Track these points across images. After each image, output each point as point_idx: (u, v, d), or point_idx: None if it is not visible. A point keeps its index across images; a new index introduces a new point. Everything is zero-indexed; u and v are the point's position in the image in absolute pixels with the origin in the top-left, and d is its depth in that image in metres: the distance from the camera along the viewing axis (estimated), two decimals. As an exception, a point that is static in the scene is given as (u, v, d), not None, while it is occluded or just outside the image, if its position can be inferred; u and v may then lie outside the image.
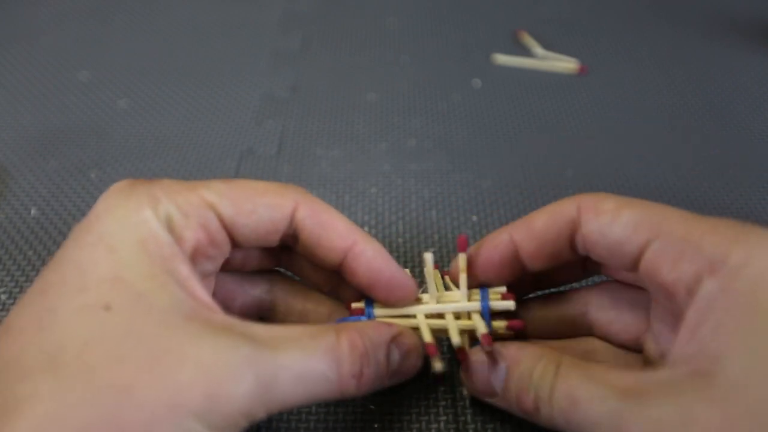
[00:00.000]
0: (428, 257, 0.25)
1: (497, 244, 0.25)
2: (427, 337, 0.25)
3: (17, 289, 0.32)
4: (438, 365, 0.24)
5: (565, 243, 0.24)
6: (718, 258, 0.20)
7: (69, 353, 0.18)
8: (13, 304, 0.32)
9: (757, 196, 0.39)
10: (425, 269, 0.25)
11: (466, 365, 0.25)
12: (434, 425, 0.26)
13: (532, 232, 0.24)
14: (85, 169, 0.41)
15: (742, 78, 0.51)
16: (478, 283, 0.26)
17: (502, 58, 0.52)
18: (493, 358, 0.24)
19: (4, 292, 0.32)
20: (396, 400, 0.27)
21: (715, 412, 0.18)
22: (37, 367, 0.18)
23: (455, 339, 0.24)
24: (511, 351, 0.23)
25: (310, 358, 0.20)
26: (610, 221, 0.22)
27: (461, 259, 0.26)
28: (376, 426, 0.26)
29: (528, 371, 0.22)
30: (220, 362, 0.19)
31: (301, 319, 0.27)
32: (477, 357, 0.24)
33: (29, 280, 0.33)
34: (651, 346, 0.24)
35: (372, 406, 0.27)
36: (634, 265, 0.22)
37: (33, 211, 0.37)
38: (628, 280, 0.25)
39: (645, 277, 0.22)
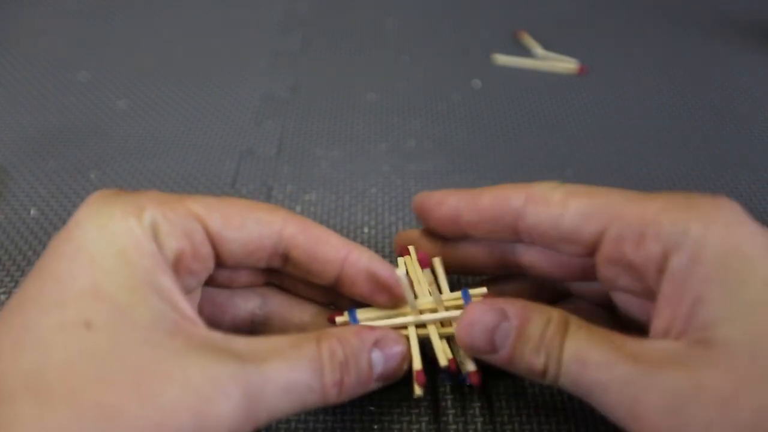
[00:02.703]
0: (400, 273, 0.24)
1: (444, 202, 0.26)
2: (417, 364, 0.24)
3: (17, 290, 0.32)
4: (418, 392, 0.24)
5: (505, 226, 0.25)
6: (679, 233, 0.21)
7: (50, 374, 0.17)
8: (12, 304, 0.32)
9: (757, 196, 0.39)
10: (400, 282, 0.25)
11: (463, 321, 0.23)
12: (433, 426, 0.26)
13: (476, 206, 0.25)
14: (85, 169, 0.41)
15: (742, 78, 0.51)
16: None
17: (502, 59, 0.52)
18: (501, 315, 0.23)
19: (3, 293, 0.32)
20: (395, 401, 0.27)
21: (722, 378, 0.18)
22: (17, 389, 0.17)
23: (443, 361, 0.25)
24: (518, 309, 0.23)
25: (294, 369, 0.20)
26: (560, 212, 0.23)
27: (428, 275, 0.26)
28: (375, 427, 0.26)
29: (538, 332, 0.22)
30: (207, 380, 0.18)
31: (300, 332, 0.26)
32: (479, 314, 0.23)
33: (29, 281, 0.33)
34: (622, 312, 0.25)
35: (371, 408, 0.27)
36: (589, 251, 0.23)
37: (32, 212, 0.37)
38: (553, 275, 0.26)
39: (606, 260, 0.23)
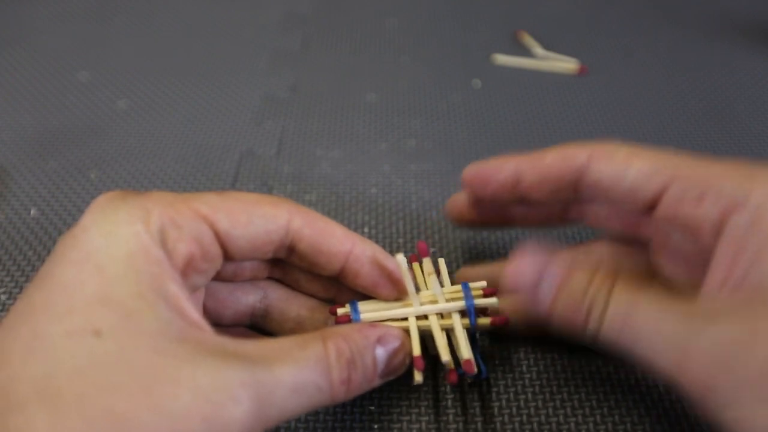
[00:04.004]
0: (400, 258, 0.25)
1: (502, 168, 0.26)
2: (416, 350, 0.25)
3: (17, 290, 0.32)
4: (418, 378, 0.25)
5: (568, 185, 0.25)
6: (740, 197, 0.21)
7: (61, 382, 0.18)
8: (12, 304, 0.32)
9: (757, 197, 0.39)
10: (400, 268, 0.25)
11: (508, 269, 0.24)
12: (433, 425, 0.26)
13: (538, 166, 0.26)
14: (85, 169, 0.41)
15: (742, 78, 0.51)
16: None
17: (502, 58, 0.52)
18: (546, 264, 0.24)
19: (3, 293, 0.32)
20: (395, 401, 0.27)
21: None
22: (28, 397, 0.17)
23: (445, 357, 0.25)
24: (563, 259, 0.24)
25: (302, 370, 0.20)
26: (624, 168, 0.24)
27: (426, 264, 0.27)
28: (375, 427, 0.26)
29: (582, 285, 0.22)
30: (216, 386, 0.18)
31: (297, 326, 0.27)
32: (524, 262, 0.24)
33: (29, 281, 0.33)
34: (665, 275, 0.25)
35: (371, 407, 0.27)
36: (649, 208, 0.24)
37: (33, 212, 0.37)
38: (611, 226, 0.27)
39: (664, 218, 0.23)
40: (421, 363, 0.25)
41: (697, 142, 0.44)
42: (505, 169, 0.26)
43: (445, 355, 0.25)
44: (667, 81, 0.51)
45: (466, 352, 0.25)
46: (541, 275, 0.24)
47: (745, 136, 0.45)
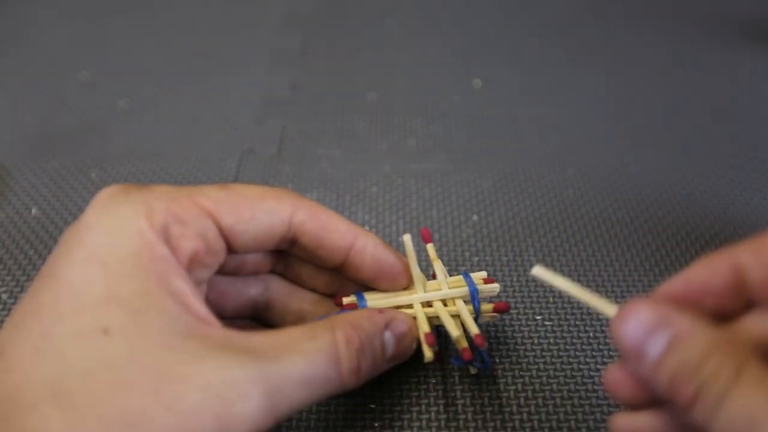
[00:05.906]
0: (407, 238, 0.26)
1: (717, 268, 0.19)
2: (425, 327, 0.25)
3: (18, 289, 0.32)
4: (428, 354, 0.25)
5: None
6: None
7: (72, 382, 0.18)
8: (14, 303, 0.32)
9: (758, 196, 0.39)
10: (406, 249, 0.26)
11: (621, 311, 0.19)
12: (434, 423, 0.26)
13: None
14: (86, 168, 0.41)
15: (742, 78, 0.51)
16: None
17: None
18: (662, 319, 0.18)
19: (5, 292, 0.32)
20: (396, 399, 0.27)
21: None
22: (41, 397, 0.17)
23: (454, 332, 0.25)
24: (683, 323, 0.18)
25: (312, 363, 0.20)
26: None
27: (430, 249, 0.28)
28: (376, 425, 0.26)
29: (695, 360, 0.17)
30: (226, 382, 0.18)
31: (299, 320, 0.27)
32: (639, 309, 0.18)
33: (30, 279, 0.33)
34: None
35: (372, 405, 0.27)
36: None
37: (34, 211, 0.37)
38: None
39: None
40: (431, 338, 0.25)
41: (697, 142, 0.44)
42: (720, 267, 0.19)
43: (455, 331, 0.25)
44: (667, 81, 0.51)
45: (474, 328, 0.25)
46: (655, 325, 0.18)
47: (746, 136, 0.45)
